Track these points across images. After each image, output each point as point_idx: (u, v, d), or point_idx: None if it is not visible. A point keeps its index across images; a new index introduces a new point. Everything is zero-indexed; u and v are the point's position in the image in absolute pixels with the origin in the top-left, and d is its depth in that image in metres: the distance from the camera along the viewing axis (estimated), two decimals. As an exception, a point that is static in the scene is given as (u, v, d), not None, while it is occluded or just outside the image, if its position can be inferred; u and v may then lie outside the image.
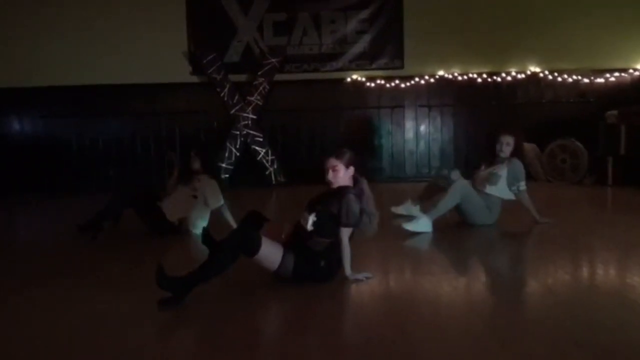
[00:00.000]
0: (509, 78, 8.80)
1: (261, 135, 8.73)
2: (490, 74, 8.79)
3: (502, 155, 4.83)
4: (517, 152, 4.86)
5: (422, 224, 4.58)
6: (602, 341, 2.26)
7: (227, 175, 8.56)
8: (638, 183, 7.15)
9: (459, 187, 4.69)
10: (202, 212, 4.79)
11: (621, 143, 7.67)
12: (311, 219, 3.09)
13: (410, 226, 4.55)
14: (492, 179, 4.78)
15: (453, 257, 4.04)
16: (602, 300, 2.83)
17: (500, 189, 4.79)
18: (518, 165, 4.81)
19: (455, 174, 5.00)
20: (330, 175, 3.21)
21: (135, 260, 3.96)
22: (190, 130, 8.86)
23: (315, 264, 3.09)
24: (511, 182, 4.79)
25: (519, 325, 2.48)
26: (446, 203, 4.68)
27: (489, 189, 4.78)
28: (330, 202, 3.15)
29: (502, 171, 4.79)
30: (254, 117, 8.70)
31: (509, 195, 4.82)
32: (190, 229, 4.75)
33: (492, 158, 4.90)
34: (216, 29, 8.81)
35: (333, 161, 3.21)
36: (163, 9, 8.73)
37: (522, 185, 4.80)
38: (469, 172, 5.17)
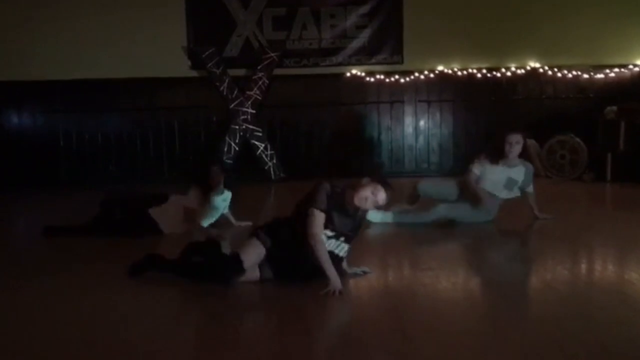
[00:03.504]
0: (508, 73, 8.78)
1: (260, 130, 8.71)
2: (489, 70, 8.77)
3: (512, 154, 4.71)
4: (524, 151, 4.79)
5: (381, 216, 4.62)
6: (601, 337, 2.26)
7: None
8: (637, 179, 7.15)
9: (439, 213, 4.66)
10: (209, 216, 4.76)
11: (620, 139, 7.66)
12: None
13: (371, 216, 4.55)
14: (510, 186, 4.72)
15: (452, 253, 4.04)
16: (600, 297, 2.84)
17: (495, 187, 4.74)
18: (531, 170, 4.79)
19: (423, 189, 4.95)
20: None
21: (129, 257, 3.93)
22: (189, 124, 8.84)
23: (293, 264, 3.02)
24: (522, 186, 4.76)
25: (518, 321, 2.49)
26: (422, 218, 4.68)
27: (503, 193, 4.71)
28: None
29: (519, 176, 4.73)
30: (253, 111, 8.68)
31: (503, 194, 4.76)
32: (202, 225, 4.68)
33: (500, 158, 4.76)
34: (215, 23, 8.77)
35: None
36: (162, 3, 8.67)
37: (531, 187, 4.80)
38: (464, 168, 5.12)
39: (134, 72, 8.61)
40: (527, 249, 4.23)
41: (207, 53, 8.54)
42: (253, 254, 2.97)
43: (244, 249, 2.99)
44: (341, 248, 3.04)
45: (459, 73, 8.79)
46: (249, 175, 8.51)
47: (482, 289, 3.11)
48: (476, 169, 4.77)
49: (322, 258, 2.87)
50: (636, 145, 7.50)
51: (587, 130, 8.13)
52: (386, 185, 3.01)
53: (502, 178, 4.73)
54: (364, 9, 8.77)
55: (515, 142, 4.70)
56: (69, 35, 8.61)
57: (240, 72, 8.77)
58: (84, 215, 4.74)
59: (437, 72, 8.81)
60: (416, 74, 8.81)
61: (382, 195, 2.97)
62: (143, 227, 4.55)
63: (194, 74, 8.79)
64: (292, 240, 3.00)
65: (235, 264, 2.90)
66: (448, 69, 8.80)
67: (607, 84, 8.67)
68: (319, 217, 2.90)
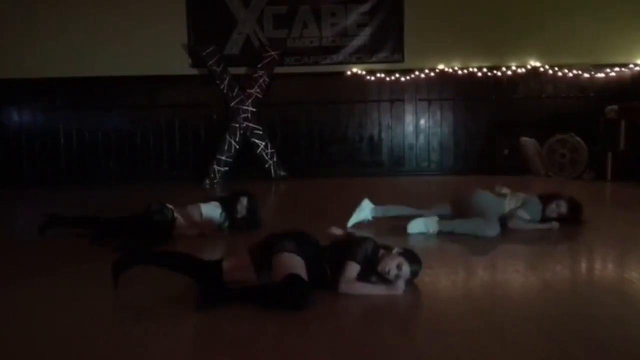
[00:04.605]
0: (509, 73, 8.78)
1: (261, 128, 8.71)
2: (490, 69, 8.77)
3: (552, 215, 4.54)
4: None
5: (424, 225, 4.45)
6: (601, 336, 2.26)
7: (227, 168, 8.57)
8: (637, 178, 7.15)
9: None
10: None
11: (621, 138, 7.67)
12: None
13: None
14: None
15: (452, 252, 4.04)
16: (601, 296, 2.84)
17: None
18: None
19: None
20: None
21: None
22: (189, 123, 8.85)
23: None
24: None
25: (518, 321, 2.49)
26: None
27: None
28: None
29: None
30: (254, 110, 8.69)
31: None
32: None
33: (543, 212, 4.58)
34: (216, 22, 8.78)
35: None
36: (163, 1, 8.68)
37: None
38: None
39: (135, 70, 8.62)
40: (527, 247, 4.22)
41: (207, 51, 8.54)
42: (299, 266, 2.85)
43: (288, 266, 2.80)
44: None
45: (460, 72, 8.80)
46: (249, 173, 8.53)
47: (482, 289, 3.11)
48: (523, 215, 4.53)
49: (362, 292, 2.90)
50: (637, 145, 7.50)
51: (588, 129, 8.14)
52: (413, 262, 2.99)
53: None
54: (365, 7, 8.77)
55: (559, 209, 4.55)
56: (70, 33, 8.61)
57: (241, 70, 8.78)
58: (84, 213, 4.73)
59: (437, 70, 8.81)
60: (417, 73, 8.81)
61: (406, 271, 2.95)
62: (150, 232, 4.25)
63: (194, 72, 8.80)
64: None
65: (298, 285, 2.73)
66: (449, 68, 8.80)
67: (608, 83, 8.67)
68: (355, 269, 2.94)
